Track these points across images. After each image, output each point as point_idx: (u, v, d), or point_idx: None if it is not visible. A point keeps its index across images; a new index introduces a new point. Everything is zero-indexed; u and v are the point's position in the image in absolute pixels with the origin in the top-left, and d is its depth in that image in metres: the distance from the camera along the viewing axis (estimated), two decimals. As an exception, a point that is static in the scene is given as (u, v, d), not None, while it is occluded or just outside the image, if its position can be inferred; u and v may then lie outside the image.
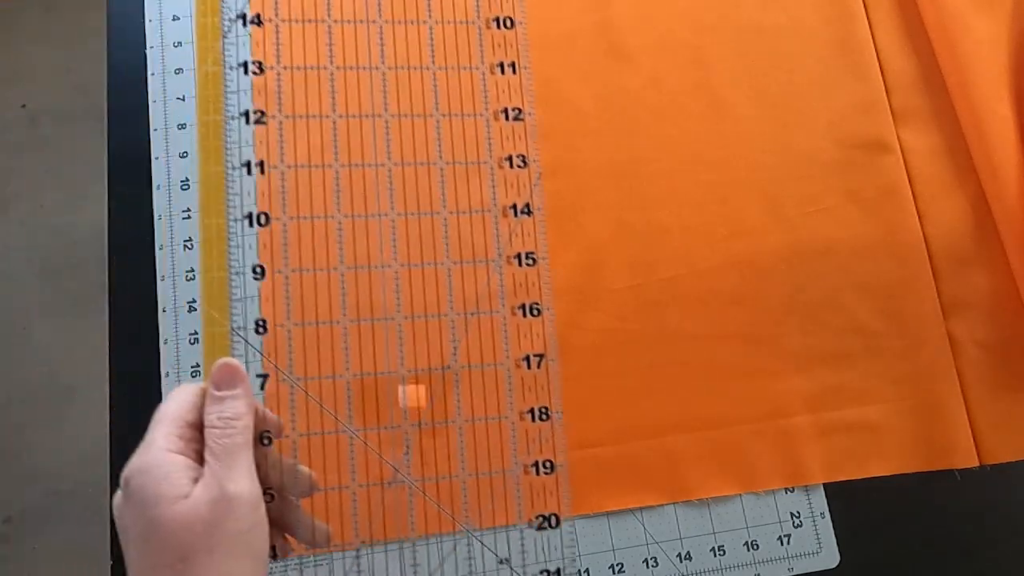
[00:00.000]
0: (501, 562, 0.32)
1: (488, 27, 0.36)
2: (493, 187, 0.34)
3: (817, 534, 0.39)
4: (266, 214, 0.32)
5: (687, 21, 0.46)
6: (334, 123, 0.33)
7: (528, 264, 0.34)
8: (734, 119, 0.45)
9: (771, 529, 0.39)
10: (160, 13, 0.45)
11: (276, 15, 0.33)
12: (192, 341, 0.40)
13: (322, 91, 0.34)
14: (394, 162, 0.34)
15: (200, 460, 0.28)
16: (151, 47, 0.45)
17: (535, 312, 0.34)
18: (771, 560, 0.39)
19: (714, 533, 0.39)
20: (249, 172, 0.33)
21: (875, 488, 0.40)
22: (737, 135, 0.44)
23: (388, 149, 0.34)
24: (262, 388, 0.32)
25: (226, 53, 0.32)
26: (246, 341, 0.31)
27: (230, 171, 0.32)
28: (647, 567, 0.38)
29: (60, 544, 0.98)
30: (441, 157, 0.34)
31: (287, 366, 0.32)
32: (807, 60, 0.46)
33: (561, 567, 0.34)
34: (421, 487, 0.32)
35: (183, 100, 0.44)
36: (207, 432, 0.29)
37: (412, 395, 0.34)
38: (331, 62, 0.35)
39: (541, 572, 0.34)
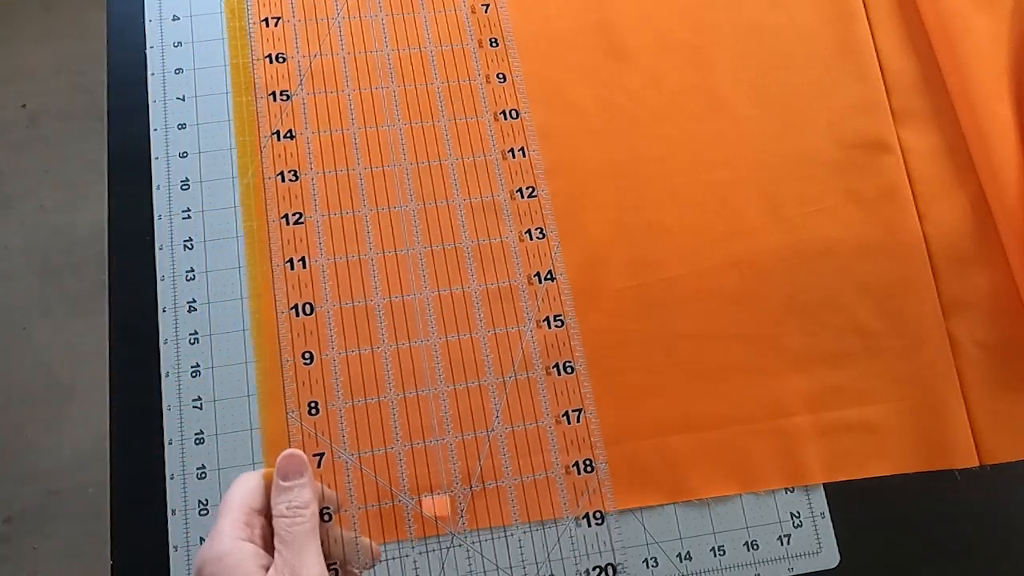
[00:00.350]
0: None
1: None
2: (517, 257, 0.37)
3: (817, 534, 0.39)
4: (310, 304, 0.34)
5: (687, 21, 0.46)
6: (366, 217, 0.36)
7: (557, 325, 0.37)
8: (734, 119, 0.45)
9: (771, 529, 0.39)
10: (160, 13, 0.45)
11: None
12: (192, 341, 0.40)
13: (353, 191, 0.37)
14: (423, 245, 0.37)
15: (266, 545, 0.30)
16: (151, 47, 0.45)
17: (565, 362, 0.36)
18: (771, 560, 0.39)
19: (714, 533, 0.39)
20: (292, 267, 0.36)
21: (875, 488, 0.40)
22: (737, 135, 0.44)
23: (417, 233, 0.37)
24: (319, 466, 0.34)
25: (264, 165, 0.36)
26: (300, 423, 0.33)
27: (275, 266, 0.35)
28: (647, 567, 0.38)
29: (60, 544, 0.98)
30: (465, 235, 0.37)
31: (341, 443, 0.33)
32: (807, 60, 0.46)
33: (612, 562, 0.35)
34: (479, 549, 0.34)
35: (183, 100, 0.44)
36: (276, 521, 0.30)
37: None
38: (359, 163, 0.38)
39: (594, 568, 0.35)
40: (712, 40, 0.46)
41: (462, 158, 0.37)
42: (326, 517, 0.33)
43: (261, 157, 0.36)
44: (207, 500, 0.38)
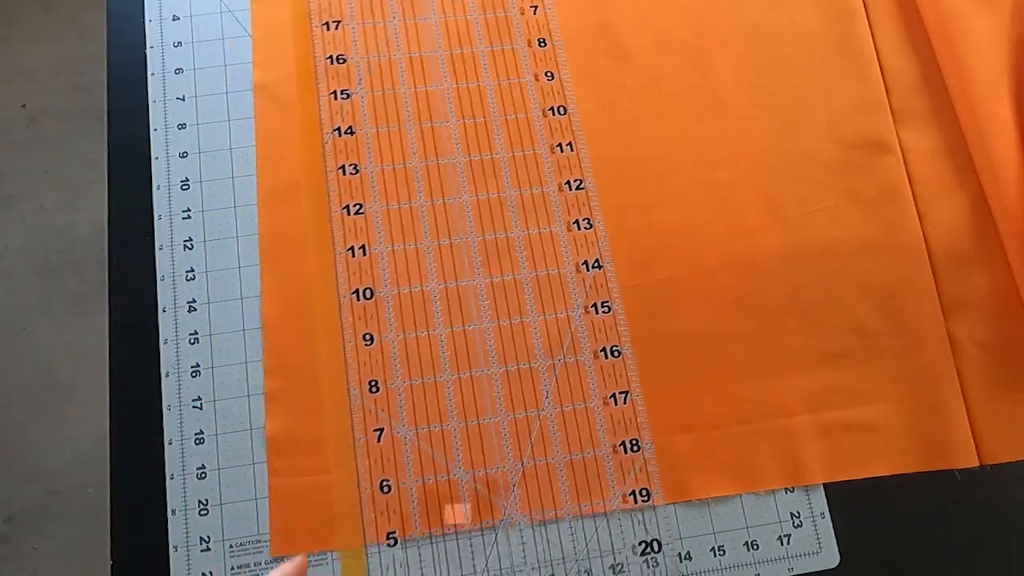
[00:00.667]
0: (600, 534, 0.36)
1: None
2: (565, 246, 0.39)
3: (817, 534, 0.39)
4: (371, 288, 0.37)
5: (687, 21, 0.46)
6: (422, 208, 0.38)
7: (604, 312, 0.39)
8: (734, 119, 0.45)
9: (771, 529, 0.39)
10: (160, 13, 0.45)
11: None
12: (192, 341, 0.40)
13: (410, 184, 0.39)
14: (476, 234, 0.39)
15: None
16: (151, 47, 0.45)
17: (612, 350, 0.38)
18: (771, 560, 0.39)
19: (714, 533, 0.39)
20: (353, 255, 0.38)
21: (875, 488, 0.40)
22: (737, 135, 0.44)
23: (470, 223, 0.39)
24: (379, 440, 0.36)
25: (327, 160, 0.38)
26: (362, 400, 0.35)
27: (337, 254, 0.38)
28: (648, 567, 0.38)
29: (60, 544, 0.98)
30: (516, 225, 0.40)
31: (399, 419, 0.36)
32: (807, 60, 0.46)
33: (658, 538, 0.37)
34: (530, 524, 0.36)
35: (183, 100, 0.44)
36: None
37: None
38: (414, 157, 0.40)
39: (640, 543, 0.37)
40: (712, 40, 0.46)
41: (512, 152, 0.40)
42: None
43: (324, 152, 0.38)
44: (207, 500, 0.38)
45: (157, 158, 0.43)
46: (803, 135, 0.45)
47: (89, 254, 1.09)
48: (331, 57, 0.40)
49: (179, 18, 0.45)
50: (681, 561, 0.38)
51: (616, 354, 0.39)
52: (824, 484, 0.40)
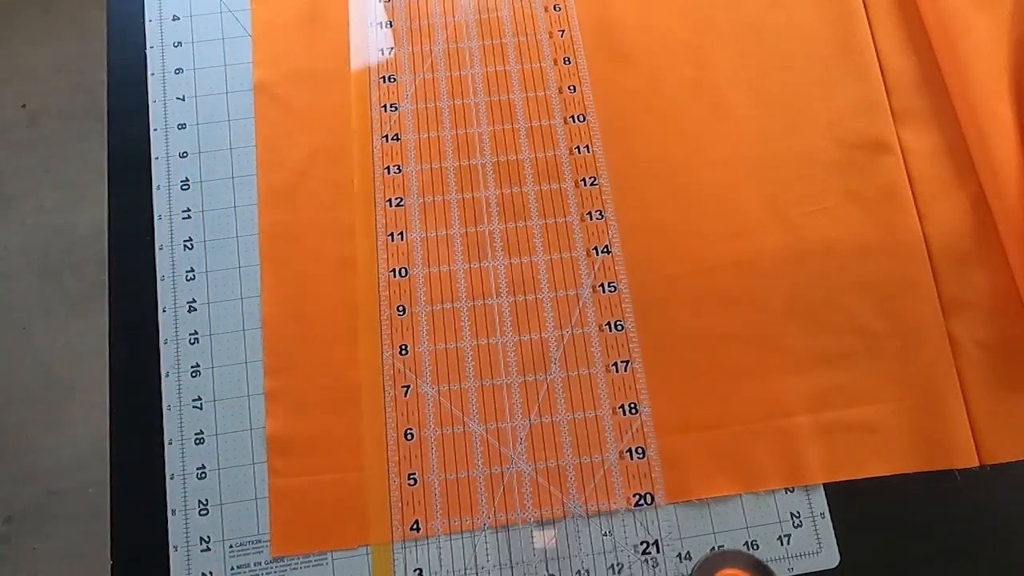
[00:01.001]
0: (605, 534, 0.39)
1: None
2: (578, 233, 0.44)
3: (817, 534, 0.39)
4: (405, 268, 0.43)
5: (687, 21, 0.46)
6: (453, 202, 0.44)
7: (610, 291, 0.43)
8: (734, 119, 0.45)
9: (771, 529, 0.39)
10: (160, 13, 0.45)
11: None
12: (192, 341, 0.40)
13: (444, 182, 0.45)
14: (499, 223, 0.44)
15: None
16: (151, 47, 0.45)
17: (619, 327, 0.42)
18: (771, 560, 0.39)
19: (714, 533, 0.39)
20: (392, 240, 0.44)
21: (875, 488, 0.40)
22: (737, 135, 0.45)
23: (495, 215, 0.44)
24: (406, 395, 0.41)
25: (375, 161, 0.45)
26: (393, 361, 0.41)
27: (379, 239, 0.44)
28: (648, 566, 0.38)
29: (60, 544, 0.98)
30: (535, 215, 0.44)
31: (424, 378, 0.41)
32: (807, 60, 0.46)
33: (659, 539, 0.39)
34: (533, 470, 0.40)
35: (183, 100, 0.44)
36: None
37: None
38: (449, 158, 0.46)
39: (641, 543, 0.39)
40: (712, 40, 0.46)
41: (535, 155, 0.45)
42: None
43: (373, 156, 0.44)
44: (207, 500, 0.38)
45: (157, 158, 0.43)
46: (803, 135, 0.45)
47: (89, 254, 1.09)
48: (383, 77, 0.47)
49: (179, 18, 0.45)
50: (681, 561, 0.38)
51: (619, 328, 0.42)
52: (824, 484, 0.40)
